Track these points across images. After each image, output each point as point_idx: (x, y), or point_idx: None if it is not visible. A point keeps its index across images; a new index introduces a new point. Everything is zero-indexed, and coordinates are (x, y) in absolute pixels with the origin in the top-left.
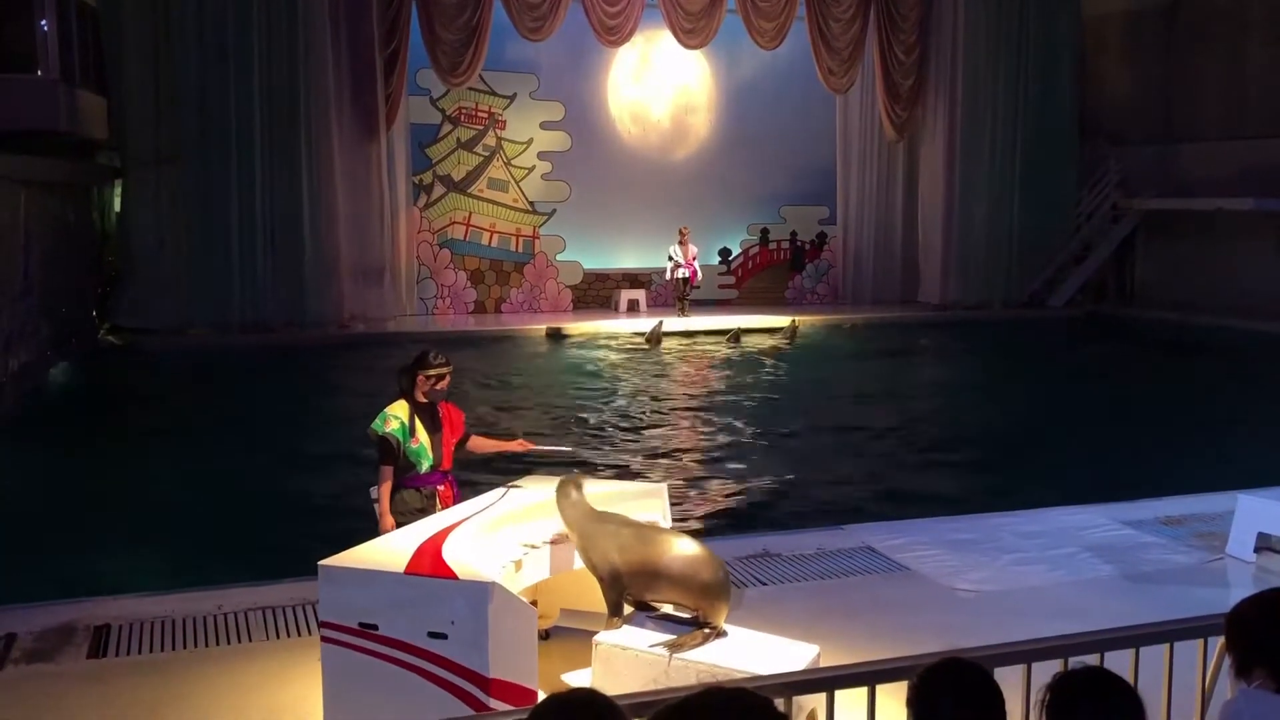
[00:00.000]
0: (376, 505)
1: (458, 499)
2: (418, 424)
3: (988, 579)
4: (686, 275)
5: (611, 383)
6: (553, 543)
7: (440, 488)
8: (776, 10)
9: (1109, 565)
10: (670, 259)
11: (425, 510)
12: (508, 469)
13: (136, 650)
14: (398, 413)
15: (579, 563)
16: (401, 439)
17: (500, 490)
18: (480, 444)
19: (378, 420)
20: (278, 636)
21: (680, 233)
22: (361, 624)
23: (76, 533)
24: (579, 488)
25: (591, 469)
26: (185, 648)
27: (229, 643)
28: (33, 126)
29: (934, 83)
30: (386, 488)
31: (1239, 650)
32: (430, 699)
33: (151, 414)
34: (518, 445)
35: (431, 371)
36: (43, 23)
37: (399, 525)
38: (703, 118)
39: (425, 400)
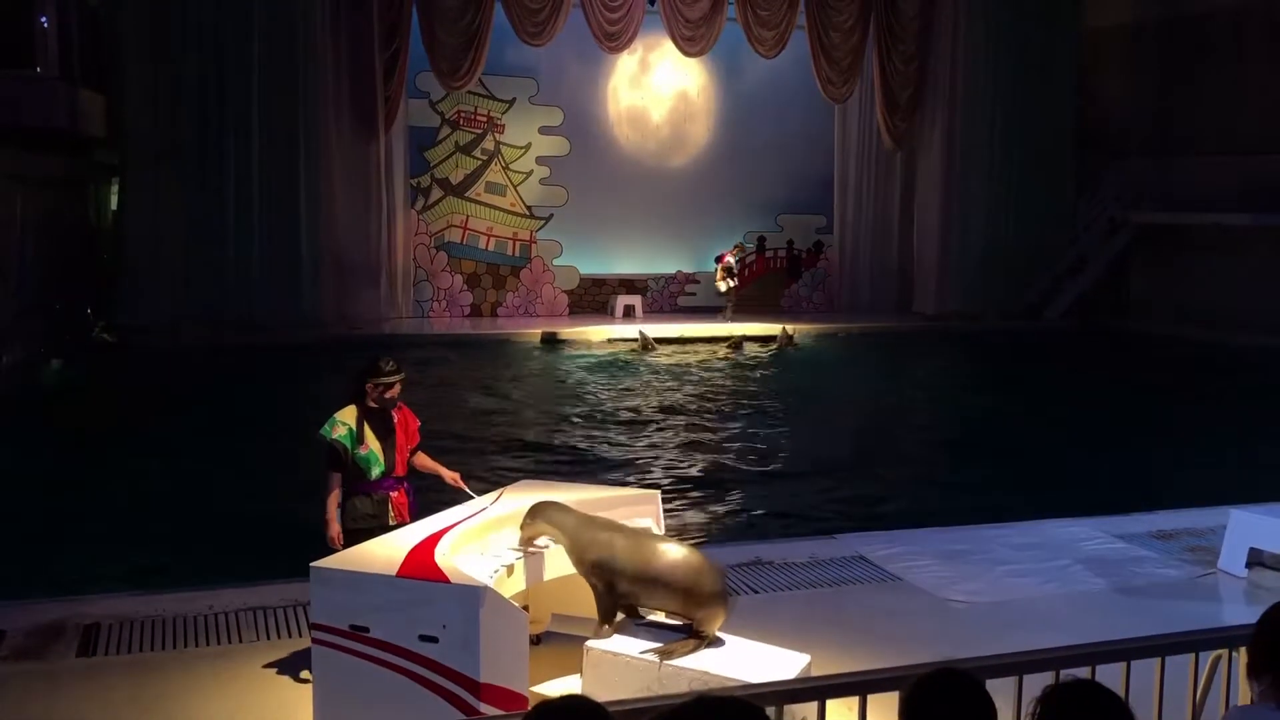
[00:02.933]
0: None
1: (413, 507)
2: (367, 430)
3: (980, 590)
4: (735, 285)
5: (606, 388)
6: (528, 553)
7: (393, 494)
8: (777, 19)
9: (1101, 578)
10: (722, 266)
11: (377, 517)
12: (495, 476)
13: (126, 649)
14: (346, 419)
15: (561, 570)
16: (349, 445)
17: (493, 494)
18: (422, 461)
19: (325, 426)
20: (269, 638)
21: (738, 246)
22: (353, 626)
23: (67, 530)
24: (550, 505)
25: (580, 477)
26: (176, 647)
27: (220, 643)
28: (31, 123)
29: (933, 93)
30: (334, 495)
31: (1255, 651)
32: (420, 702)
33: (145, 412)
34: (450, 477)
35: (381, 380)
36: (43, 19)
37: (351, 532)
38: (701, 125)
39: (375, 406)
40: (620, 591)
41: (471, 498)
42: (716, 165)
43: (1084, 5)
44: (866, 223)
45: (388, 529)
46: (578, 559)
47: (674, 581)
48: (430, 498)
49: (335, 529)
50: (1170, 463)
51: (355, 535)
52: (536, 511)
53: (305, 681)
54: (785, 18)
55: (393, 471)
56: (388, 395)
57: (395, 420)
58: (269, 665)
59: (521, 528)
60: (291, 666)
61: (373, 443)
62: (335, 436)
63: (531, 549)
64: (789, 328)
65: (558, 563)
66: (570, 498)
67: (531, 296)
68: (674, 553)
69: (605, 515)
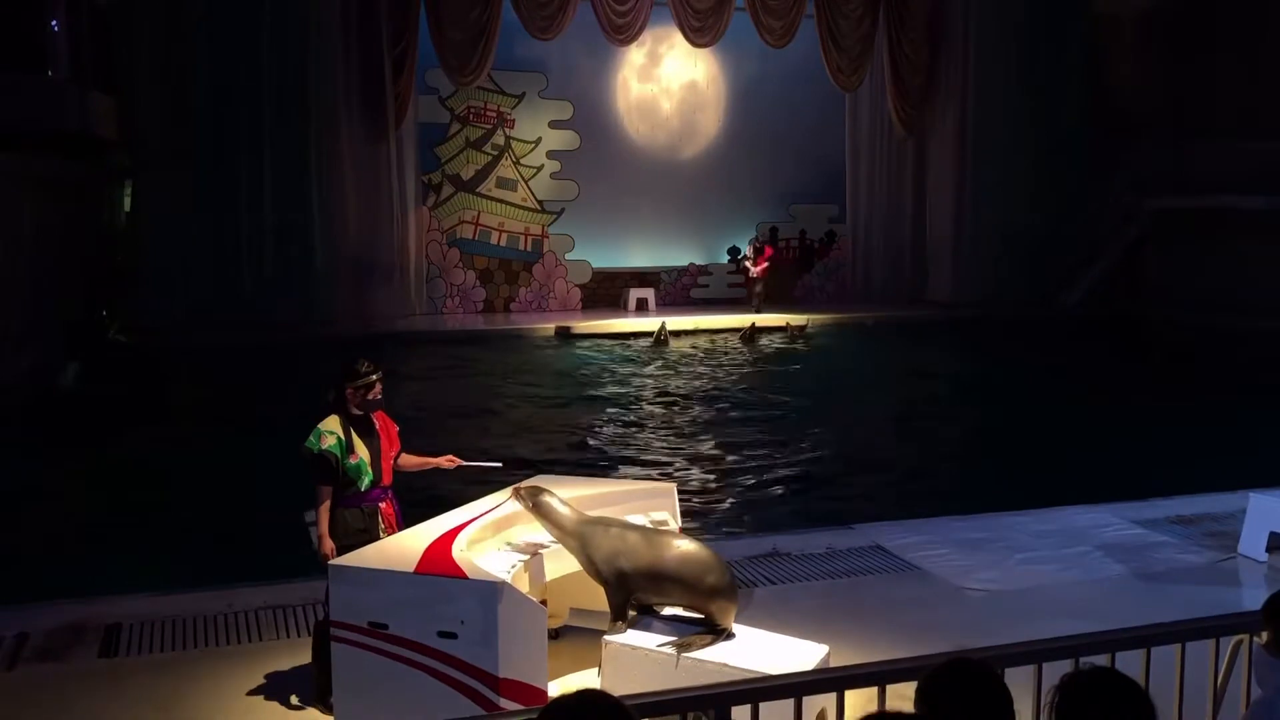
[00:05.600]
0: (313, 529)
1: (399, 516)
2: (354, 438)
3: (998, 578)
4: (755, 275)
5: (620, 381)
6: (531, 555)
7: (382, 505)
8: (785, 8)
9: (1120, 565)
10: (745, 258)
11: (368, 531)
12: (510, 472)
13: (147, 649)
14: (332, 427)
15: (575, 565)
16: (340, 455)
17: (508, 490)
18: (408, 460)
19: (312, 437)
20: (288, 635)
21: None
22: (371, 623)
23: (87, 531)
24: (549, 493)
25: (597, 470)
26: (196, 647)
27: (239, 642)
28: (43, 126)
29: (944, 80)
30: (326, 509)
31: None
32: (440, 698)
33: (161, 413)
34: (445, 461)
35: (360, 382)
36: (53, 23)
37: (343, 548)
38: (711, 116)
39: (358, 412)
40: (631, 588)
41: (496, 466)
42: (727, 156)
43: None
44: (879, 211)
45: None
46: (586, 559)
47: (682, 576)
48: (414, 511)
49: (330, 545)
50: (1189, 448)
51: (345, 551)
52: (537, 498)
53: (300, 707)
54: (794, 7)
55: (380, 480)
56: (370, 397)
57: (377, 425)
58: (289, 663)
59: (517, 497)
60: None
61: (362, 451)
62: (326, 447)
63: (540, 547)
64: (792, 321)
65: (570, 558)
66: (586, 492)
67: (544, 291)
68: (681, 548)
69: (622, 508)
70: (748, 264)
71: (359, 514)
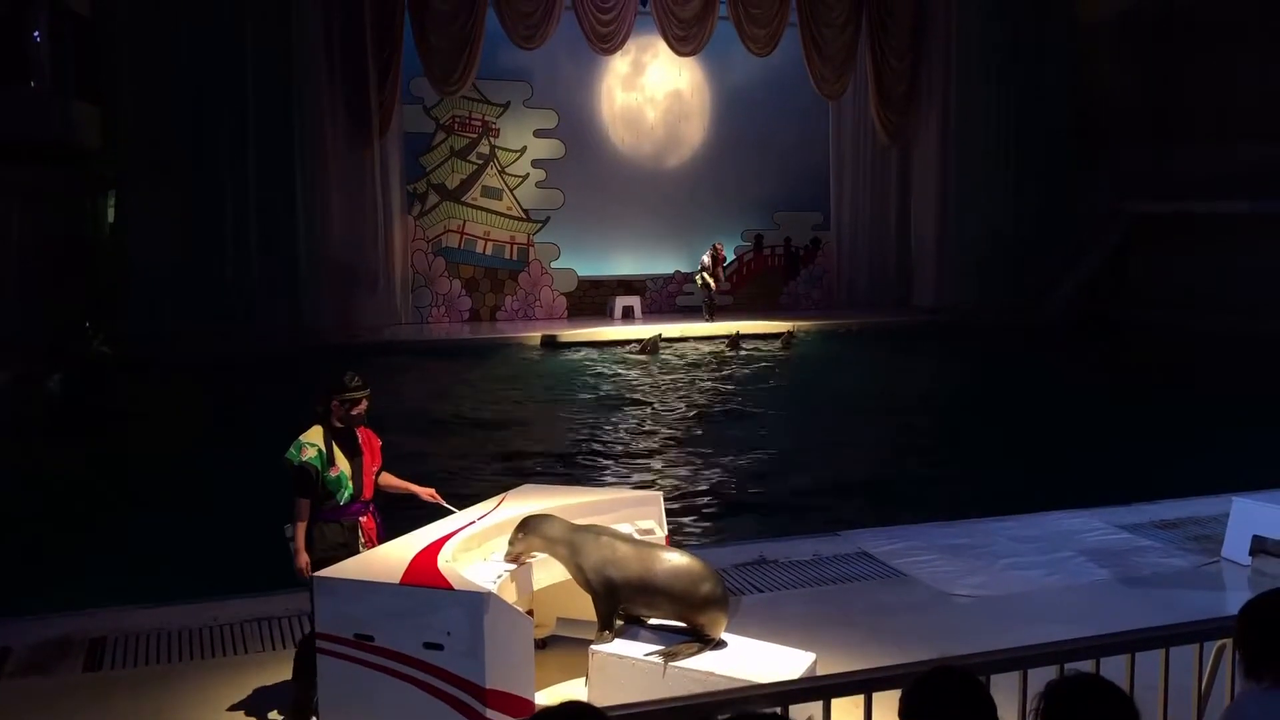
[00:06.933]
0: (292, 543)
1: (380, 531)
2: (336, 451)
3: (983, 584)
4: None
5: (607, 390)
6: (518, 564)
7: (363, 519)
8: (769, 17)
9: (1105, 569)
10: (702, 268)
11: (348, 545)
12: (497, 481)
13: (133, 663)
14: (314, 439)
15: (561, 575)
16: (320, 468)
17: (495, 500)
18: (389, 480)
19: (293, 449)
20: (274, 648)
21: (714, 248)
22: (358, 635)
23: (71, 545)
24: (536, 518)
25: (583, 479)
26: (181, 660)
27: (225, 654)
28: (26, 137)
29: (927, 87)
30: (303, 524)
31: (1251, 649)
32: (427, 710)
33: (144, 423)
34: (426, 494)
35: (346, 396)
36: (35, 34)
37: (321, 562)
38: (696, 124)
39: (341, 425)
40: (620, 598)
41: (452, 512)
42: (712, 164)
43: None
44: (863, 218)
45: None
46: (575, 568)
47: (673, 589)
48: (395, 524)
49: (305, 558)
50: (1173, 452)
51: (323, 565)
52: (526, 526)
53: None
54: (777, 15)
55: (361, 495)
56: (354, 412)
57: (360, 439)
58: (275, 675)
59: (511, 543)
60: None
61: (342, 464)
62: (306, 459)
63: (523, 561)
64: (786, 328)
65: (557, 568)
66: (573, 501)
67: (530, 299)
68: (672, 560)
69: (609, 517)
70: (704, 269)
71: (338, 528)
